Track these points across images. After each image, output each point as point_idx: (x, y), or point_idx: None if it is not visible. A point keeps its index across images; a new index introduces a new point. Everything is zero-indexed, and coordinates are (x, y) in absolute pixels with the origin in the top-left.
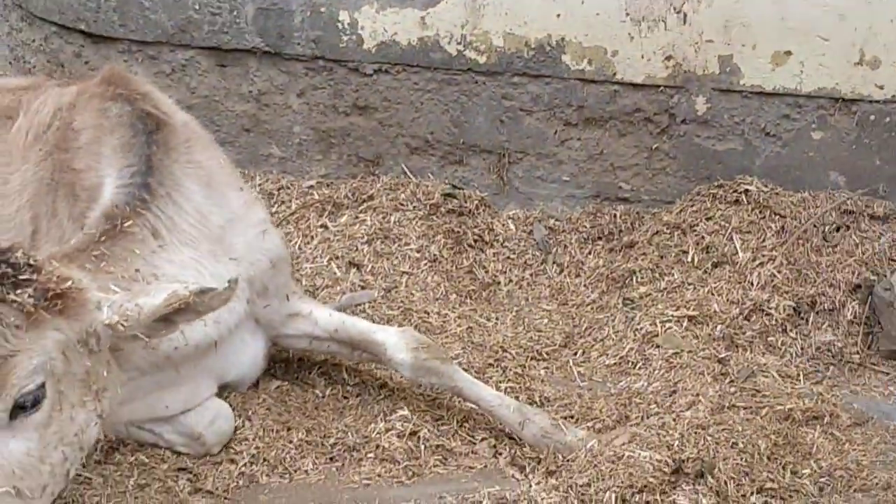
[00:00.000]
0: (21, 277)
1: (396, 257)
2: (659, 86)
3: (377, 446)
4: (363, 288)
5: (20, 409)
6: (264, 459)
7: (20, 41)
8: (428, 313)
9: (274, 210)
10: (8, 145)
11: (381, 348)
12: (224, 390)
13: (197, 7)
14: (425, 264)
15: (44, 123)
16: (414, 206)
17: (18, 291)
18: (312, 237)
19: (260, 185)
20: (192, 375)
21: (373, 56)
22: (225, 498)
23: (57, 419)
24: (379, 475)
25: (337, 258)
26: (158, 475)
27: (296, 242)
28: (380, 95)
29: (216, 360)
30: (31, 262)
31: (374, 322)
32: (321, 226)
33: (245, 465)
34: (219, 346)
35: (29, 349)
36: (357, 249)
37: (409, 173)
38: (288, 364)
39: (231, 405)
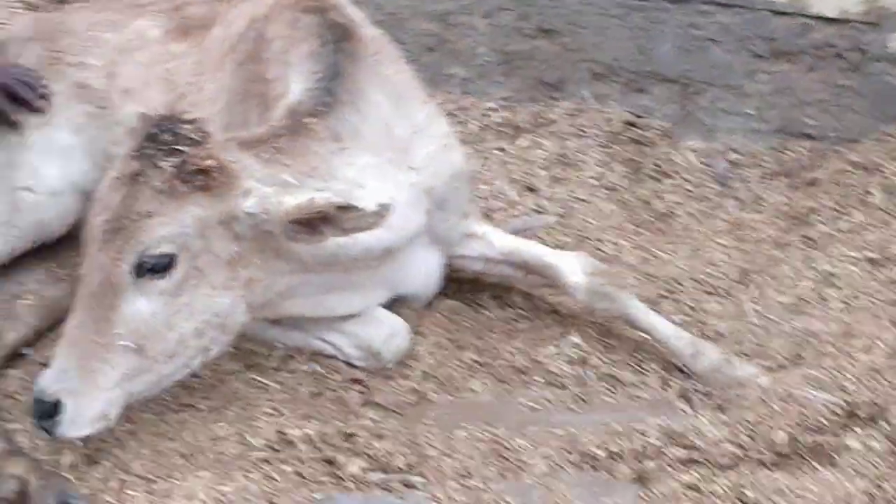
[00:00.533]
0: (178, 147)
1: (573, 183)
2: (852, 21)
3: (546, 370)
4: (538, 213)
5: (148, 271)
6: (434, 377)
7: None
8: (602, 241)
9: (454, 131)
10: (203, 54)
11: (556, 271)
12: (398, 304)
13: None
14: (602, 192)
15: (238, 33)
16: (594, 133)
17: (169, 159)
18: (490, 159)
19: (441, 104)
20: (362, 281)
21: None
22: (394, 412)
23: (190, 292)
24: (547, 399)
25: (513, 181)
26: (331, 385)
27: (473, 164)
28: (565, 19)
29: (390, 269)
30: (195, 136)
31: (548, 246)
32: (499, 148)
33: (416, 381)
34: (393, 254)
35: (164, 215)
36: (534, 174)
37: (590, 99)
38: (460, 284)
39: (406, 321)
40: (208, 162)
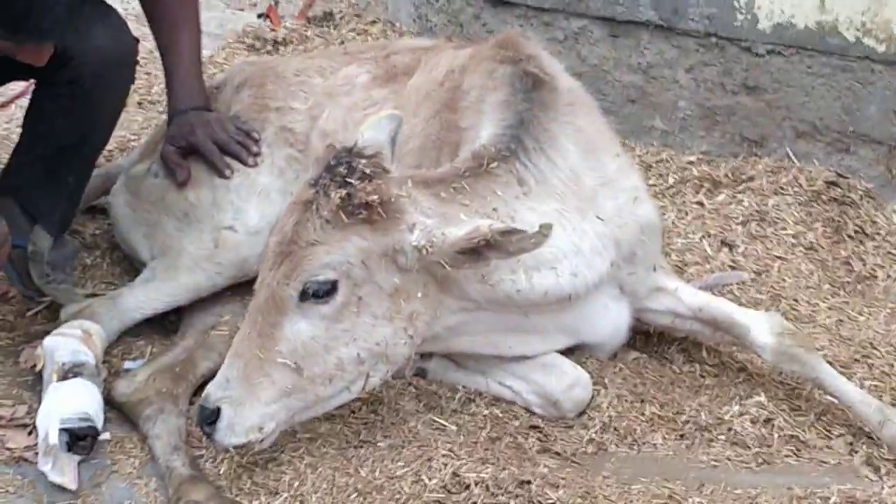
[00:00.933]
0: (349, 180)
1: (771, 241)
2: None
3: (729, 429)
4: (733, 269)
5: (312, 295)
6: (615, 428)
7: (424, 1)
8: (797, 301)
9: (651, 182)
10: (402, 99)
11: (745, 330)
12: (582, 353)
13: None
14: (800, 251)
15: (436, 82)
16: (794, 191)
17: (338, 190)
18: (687, 213)
19: (640, 156)
20: (543, 325)
21: (766, 37)
22: (572, 461)
23: (351, 319)
24: (728, 458)
25: (709, 236)
26: (510, 431)
27: (669, 217)
28: (770, 77)
29: (572, 316)
30: (369, 170)
31: (740, 304)
32: (697, 202)
33: (596, 431)
34: (574, 301)
35: (328, 245)
36: (731, 229)
37: (792, 157)
38: (648, 337)
39: (588, 371)
40: (372, 197)
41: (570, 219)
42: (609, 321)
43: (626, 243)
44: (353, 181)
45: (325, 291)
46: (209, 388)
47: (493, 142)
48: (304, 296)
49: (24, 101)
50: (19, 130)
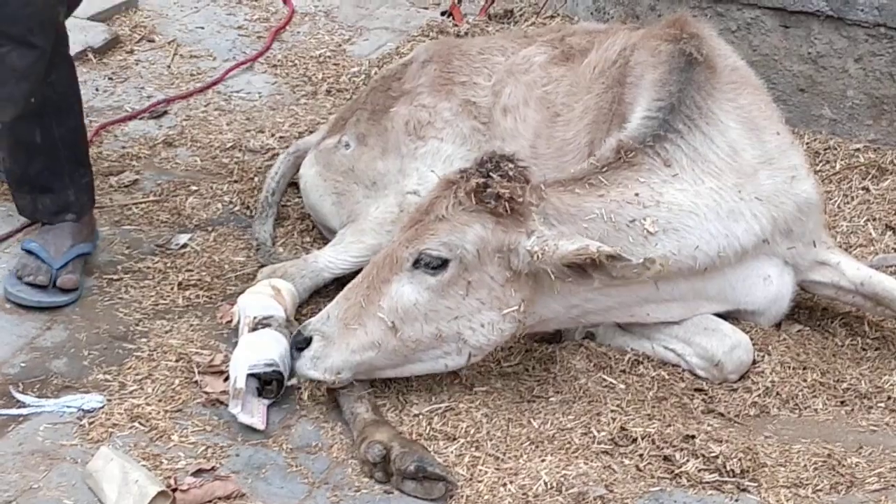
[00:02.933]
0: (491, 173)
1: None
2: None
3: (888, 397)
4: None
5: (423, 265)
6: (777, 393)
7: None
8: None
9: (818, 169)
10: (577, 77)
11: None
12: (745, 322)
13: None
14: None
15: (610, 60)
16: None
17: (479, 179)
18: (853, 198)
19: (808, 143)
20: (678, 293)
21: None
22: (735, 422)
23: (456, 299)
24: (887, 423)
25: (874, 220)
26: (676, 391)
27: (836, 201)
28: None
29: (713, 283)
30: (512, 172)
31: None
32: (863, 188)
33: (759, 395)
34: (712, 272)
35: (452, 224)
36: (895, 214)
37: None
38: (812, 311)
39: (752, 340)
40: (505, 191)
41: (725, 197)
42: (770, 291)
43: (783, 220)
44: (494, 175)
45: (436, 265)
46: (313, 318)
47: (638, 128)
48: (416, 263)
49: (221, 87)
50: (216, 113)
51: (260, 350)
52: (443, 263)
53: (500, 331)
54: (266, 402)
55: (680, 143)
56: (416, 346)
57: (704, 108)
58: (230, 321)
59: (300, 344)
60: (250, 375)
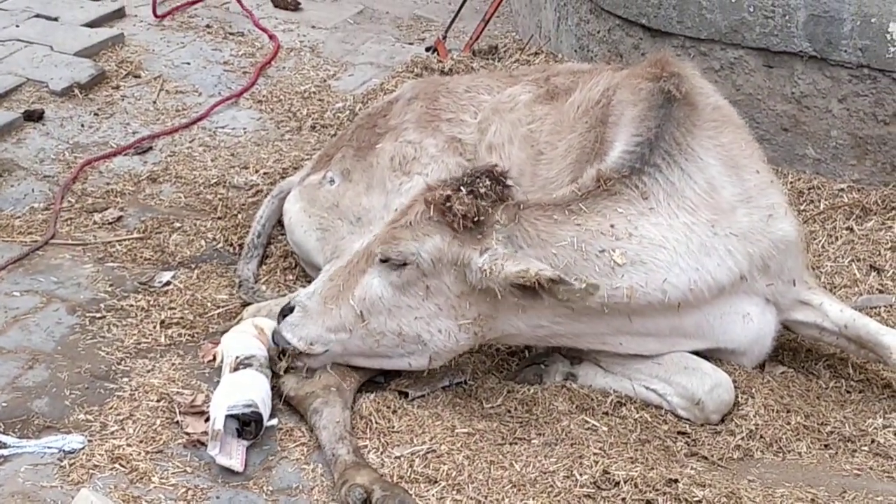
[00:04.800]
0: (461, 187)
1: None
2: None
3: (872, 441)
4: (881, 292)
5: (389, 262)
6: (761, 436)
7: (586, 31)
8: None
9: (802, 208)
10: (561, 116)
11: (887, 351)
12: (728, 362)
13: (751, 10)
14: None
15: (593, 99)
16: None
17: (447, 192)
18: (837, 238)
19: (792, 182)
20: (653, 328)
21: None
22: (719, 465)
23: (416, 299)
24: (870, 468)
25: (858, 260)
26: (659, 434)
27: (820, 241)
28: None
29: (690, 320)
30: (486, 190)
31: (888, 326)
32: (847, 228)
33: (742, 438)
34: (687, 308)
35: (415, 232)
36: (880, 254)
37: None
38: (795, 353)
39: (735, 381)
40: (462, 208)
41: (697, 233)
42: (750, 329)
43: (759, 257)
44: (462, 190)
45: (397, 263)
46: (301, 291)
47: (618, 161)
48: (384, 259)
49: (206, 123)
50: (201, 149)
51: (240, 391)
52: (403, 264)
53: (456, 340)
54: (245, 443)
55: (658, 178)
56: (380, 339)
57: (684, 144)
58: (212, 360)
59: (285, 311)
60: (229, 416)
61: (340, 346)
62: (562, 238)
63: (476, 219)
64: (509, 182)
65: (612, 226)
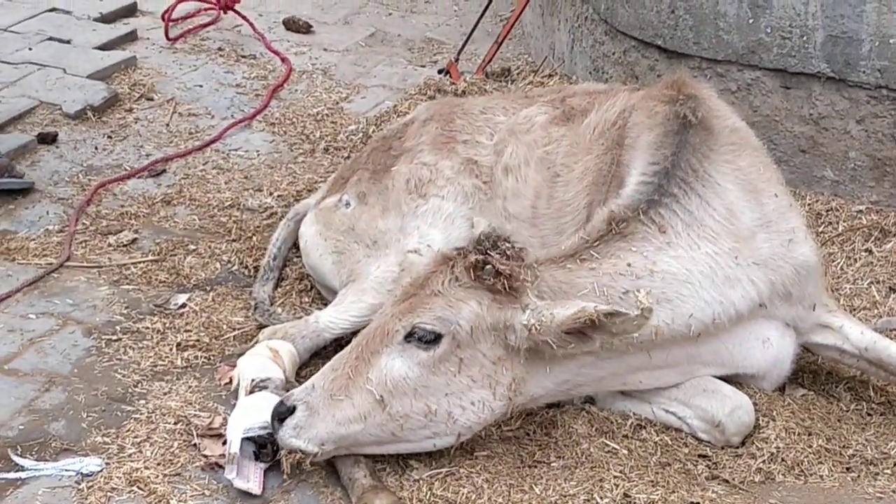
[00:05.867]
0: (489, 252)
1: None
2: None
3: (894, 463)
4: None
5: (416, 339)
6: (782, 459)
7: (601, 53)
8: None
9: (821, 230)
10: (578, 137)
11: None
12: (748, 385)
13: (768, 31)
14: None
15: (609, 121)
16: None
17: (477, 256)
18: (856, 260)
19: (810, 204)
20: (671, 360)
21: None
22: (740, 489)
23: (447, 376)
24: (893, 490)
25: (878, 282)
26: (680, 457)
27: (839, 263)
28: None
29: (707, 349)
30: (509, 252)
31: None
32: (866, 250)
33: (763, 461)
34: (711, 335)
35: (448, 299)
36: None
37: None
38: (816, 375)
39: (756, 404)
40: (504, 267)
41: (720, 263)
42: (769, 354)
43: (781, 284)
44: (492, 253)
45: (428, 339)
46: (296, 388)
47: (633, 195)
48: (409, 337)
49: (219, 145)
50: (214, 172)
51: (256, 413)
52: (436, 338)
53: (491, 410)
54: (263, 465)
55: (675, 208)
56: (404, 423)
57: (700, 170)
58: (229, 383)
59: (282, 414)
60: (246, 439)
61: (352, 439)
62: (581, 286)
63: (518, 278)
64: (520, 244)
65: (628, 265)
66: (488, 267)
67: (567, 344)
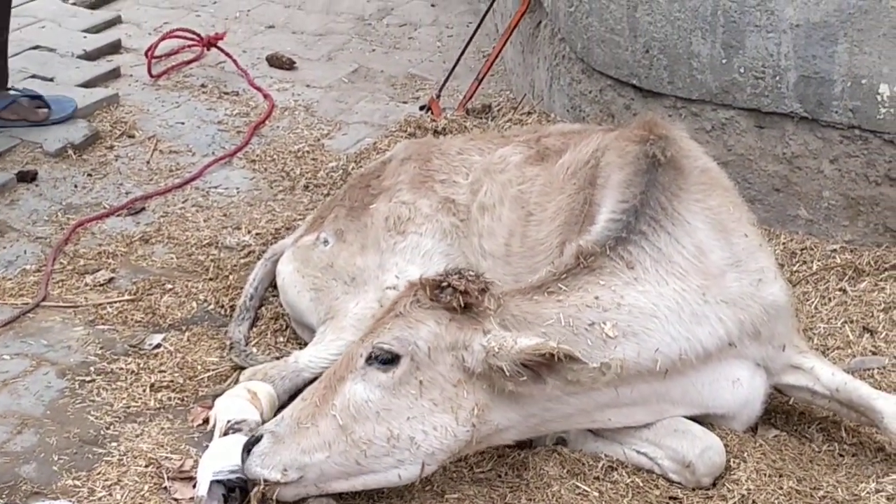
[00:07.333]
0: (451, 276)
1: None
2: None
3: None
4: (874, 354)
5: (376, 360)
6: (753, 501)
7: (578, 91)
8: None
9: (795, 269)
10: (551, 177)
11: (878, 416)
12: (719, 426)
13: (742, 71)
14: None
15: (582, 160)
16: None
17: (438, 279)
18: (830, 299)
19: (784, 243)
20: (639, 397)
21: None
22: None
23: (408, 399)
24: None
25: (851, 322)
26: (651, 499)
27: (812, 302)
28: None
29: (676, 386)
30: (472, 280)
31: (880, 389)
32: (840, 289)
33: (734, 502)
34: (679, 373)
35: (408, 320)
36: (873, 316)
37: None
38: (789, 416)
39: (727, 445)
40: (462, 286)
41: (688, 300)
42: (739, 394)
43: (750, 323)
44: (453, 276)
45: (386, 360)
46: (269, 422)
47: (602, 232)
48: (369, 359)
49: (199, 183)
50: (194, 210)
51: (226, 456)
52: (394, 359)
53: (454, 436)
54: None
55: (644, 245)
56: (368, 449)
57: (670, 208)
58: (202, 424)
59: (250, 444)
60: (215, 482)
61: (317, 469)
62: (547, 317)
63: (474, 298)
64: (489, 278)
65: (596, 298)
66: (446, 286)
67: (519, 377)
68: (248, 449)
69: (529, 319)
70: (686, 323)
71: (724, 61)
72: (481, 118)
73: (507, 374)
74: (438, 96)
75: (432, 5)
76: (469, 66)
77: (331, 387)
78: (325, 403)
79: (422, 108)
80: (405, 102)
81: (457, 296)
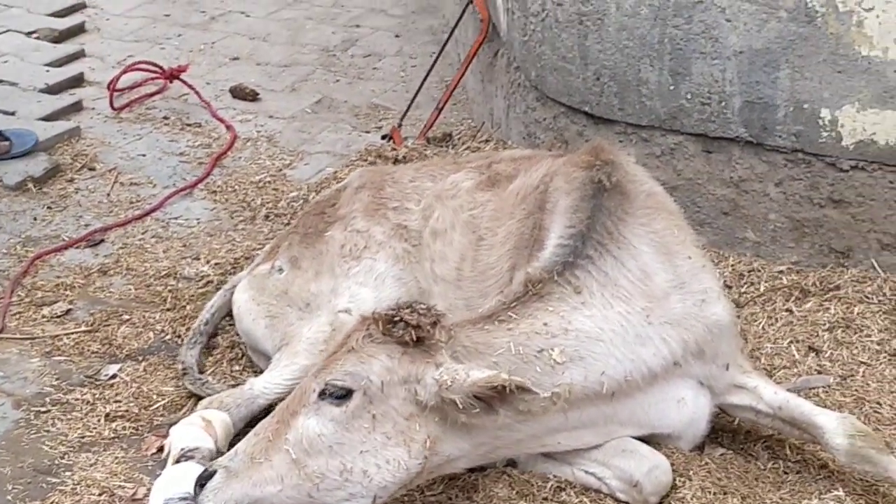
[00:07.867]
0: (403, 311)
1: (856, 347)
2: None
3: None
4: (819, 373)
5: (329, 395)
6: None
7: (533, 119)
8: (881, 405)
9: (742, 290)
10: (502, 202)
11: (820, 431)
12: (665, 445)
13: (689, 97)
14: (884, 357)
15: (532, 186)
16: (879, 300)
17: (391, 314)
18: (776, 320)
19: (733, 265)
20: (587, 420)
21: (850, 153)
22: None
23: (359, 431)
24: None
25: (797, 342)
26: None
27: (760, 323)
28: (854, 191)
29: (623, 408)
30: (423, 313)
31: (825, 407)
32: (786, 309)
33: None
34: (626, 395)
35: (360, 355)
36: (818, 335)
37: (877, 268)
38: (735, 434)
39: (673, 464)
40: (414, 321)
41: (633, 322)
42: (685, 413)
43: (694, 342)
44: (404, 310)
45: (339, 395)
46: (221, 457)
47: (549, 258)
48: (322, 394)
49: (159, 214)
50: (153, 241)
51: (178, 482)
52: (347, 394)
53: (407, 469)
54: None
55: (590, 269)
56: (321, 483)
57: (616, 232)
58: (156, 452)
59: (203, 479)
60: None
61: (269, 503)
62: (498, 346)
63: (426, 331)
64: (440, 311)
65: (545, 324)
66: (398, 320)
67: (472, 408)
68: (201, 484)
69: (480, 349)
70: (631, 345)
71: (671, 88)
72: (442, 146)
73: (460, 406)
74: (400, 125)
75: (396, 36)
76: (431, 96)
77: (284, 421)
78: (279, 438)
79: (384, 137)
80: (367, 132)
81: (409, 330)
